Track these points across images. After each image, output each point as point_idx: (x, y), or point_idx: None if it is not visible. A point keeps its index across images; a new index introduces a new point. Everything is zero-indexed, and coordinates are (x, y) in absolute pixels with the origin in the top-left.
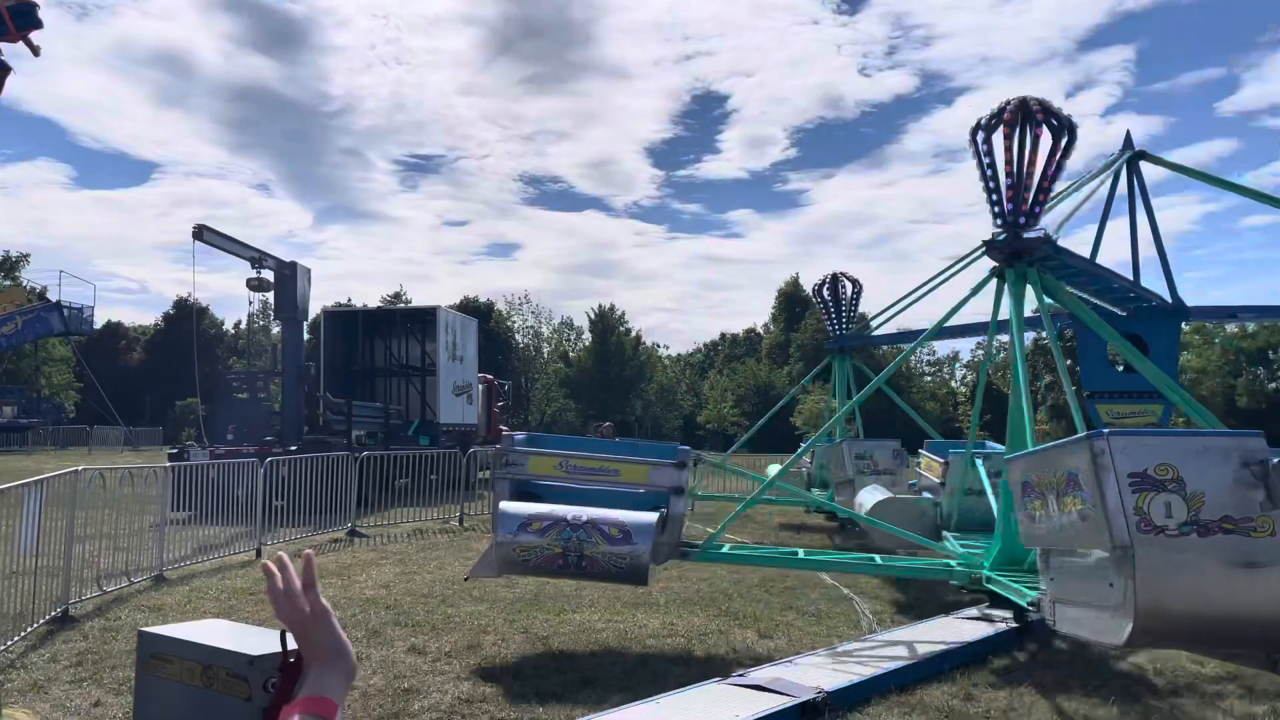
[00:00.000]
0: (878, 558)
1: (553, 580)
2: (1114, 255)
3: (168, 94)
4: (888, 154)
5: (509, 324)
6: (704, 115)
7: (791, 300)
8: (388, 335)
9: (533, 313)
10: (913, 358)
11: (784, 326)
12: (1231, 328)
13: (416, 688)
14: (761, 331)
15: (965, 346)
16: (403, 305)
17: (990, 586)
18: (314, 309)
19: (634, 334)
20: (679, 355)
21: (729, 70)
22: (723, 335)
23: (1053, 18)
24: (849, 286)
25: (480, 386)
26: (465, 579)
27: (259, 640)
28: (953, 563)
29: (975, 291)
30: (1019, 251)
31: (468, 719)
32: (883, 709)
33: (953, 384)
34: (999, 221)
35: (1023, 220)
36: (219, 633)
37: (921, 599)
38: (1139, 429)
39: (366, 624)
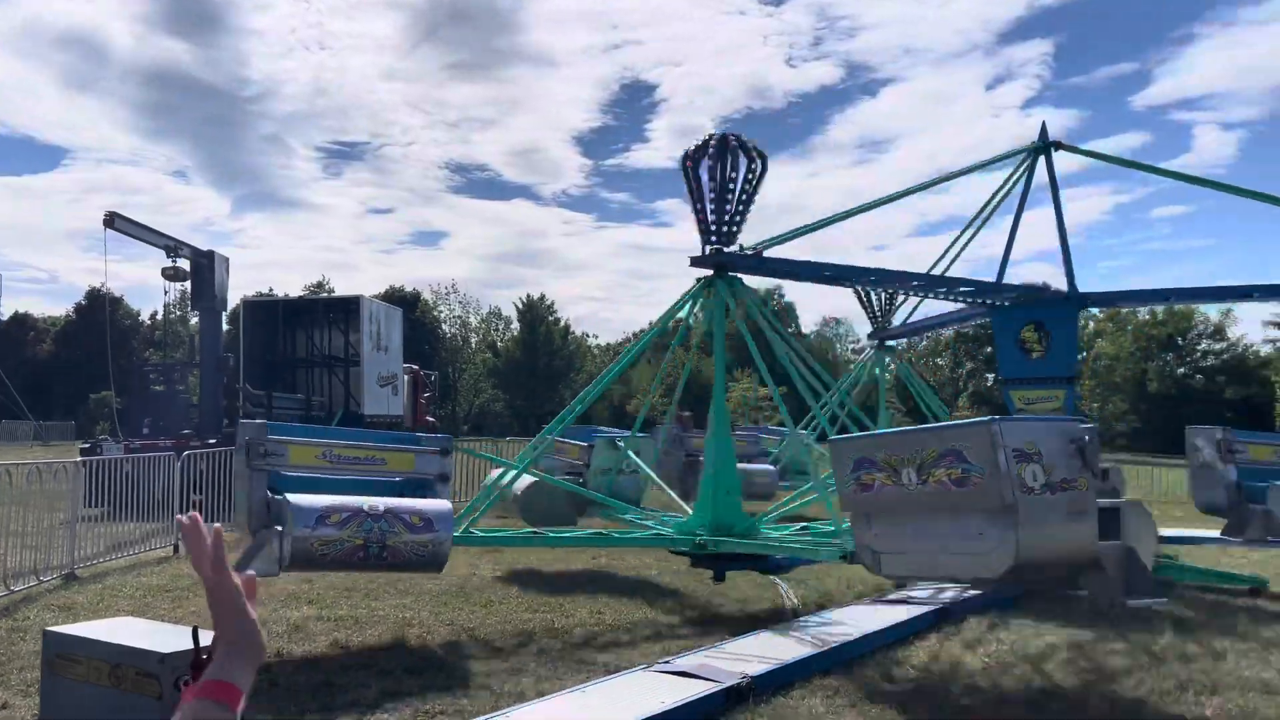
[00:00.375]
0: (613, 533)
1: (477, 573)
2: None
3: (78, 77)
4: (814, 144)
5: (435, 314)
6: (633, 104)
7: None
8: (310, 326)
9: (460, 302)
10: (838, 345)
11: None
12: (1144, 314)
13: (339, 683)
14: (690, 321)
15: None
16: (325, 295)
17: (727, 549)
18: (233, 299)
19: (563, 324)
20: (608, 344)
21: (657, 60)
22: (651, 324)
23: (974, 10)
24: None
25: (406, 377)
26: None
27: (171, 638)
28: (669, 531)
29: (687, 297)
30: (720, 265)
31: (392, 713)
32: (806, 692)
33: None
34: (710, 239)
35: (722, 239)
36: (129, 631)
37: (845, 586)
38: (1016, 417)
39: (288, 620)
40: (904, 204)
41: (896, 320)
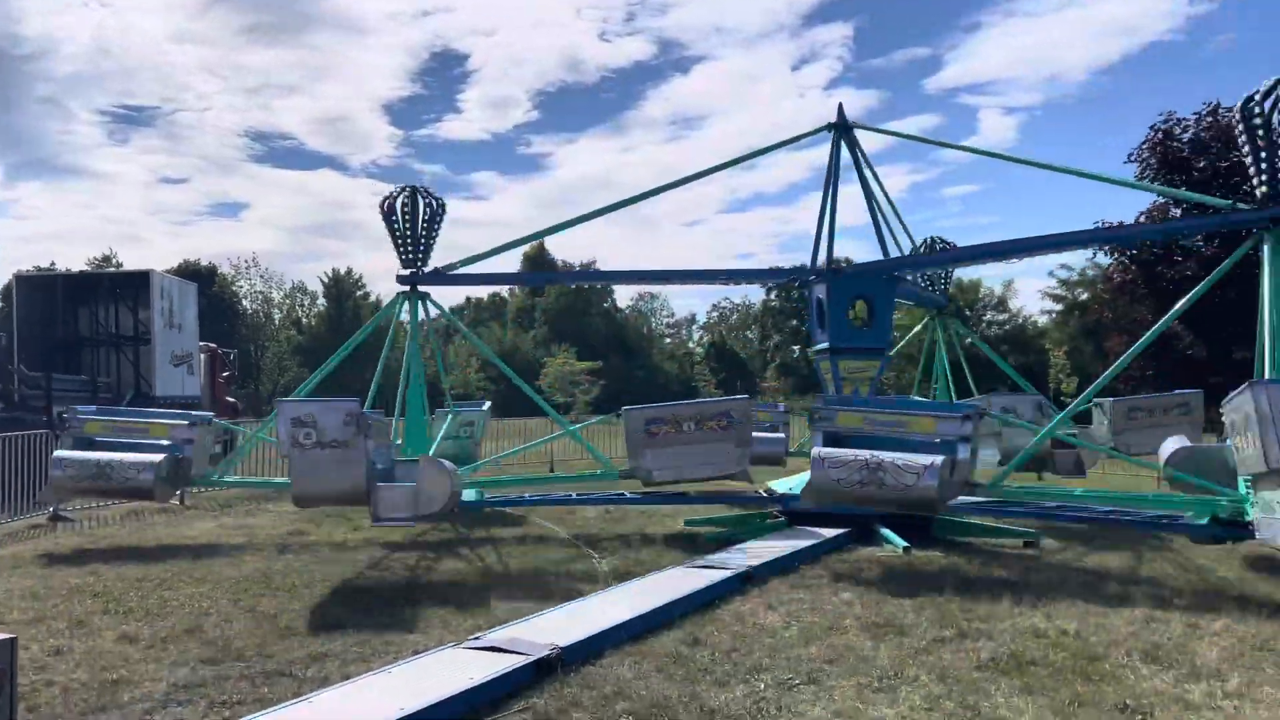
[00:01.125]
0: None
1: (282, 558)
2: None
3: None
4: (628, 120)
5: (235, 289)
6: (444, 74)
7: (536, 265)
8: (94, 302)
9: (261, 276)
10: (653, 320)
11: (529, 291)
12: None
13: (126, 678)
14: (507, 296)
15: (701, 309)
16: (112, 269)
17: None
18: (5, 273)
19: (373, 299)
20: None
21: (469, 28)
22: (468, 299)
23: None
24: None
25: (202, 356)
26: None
27: None
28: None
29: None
30: (416, 284)
31: (186, 706)
32: (615, 660)
33: (690, 344)
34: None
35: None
36: None
37: (660, 552)
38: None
39: (70, 614)
40: (715, 180)
41: None
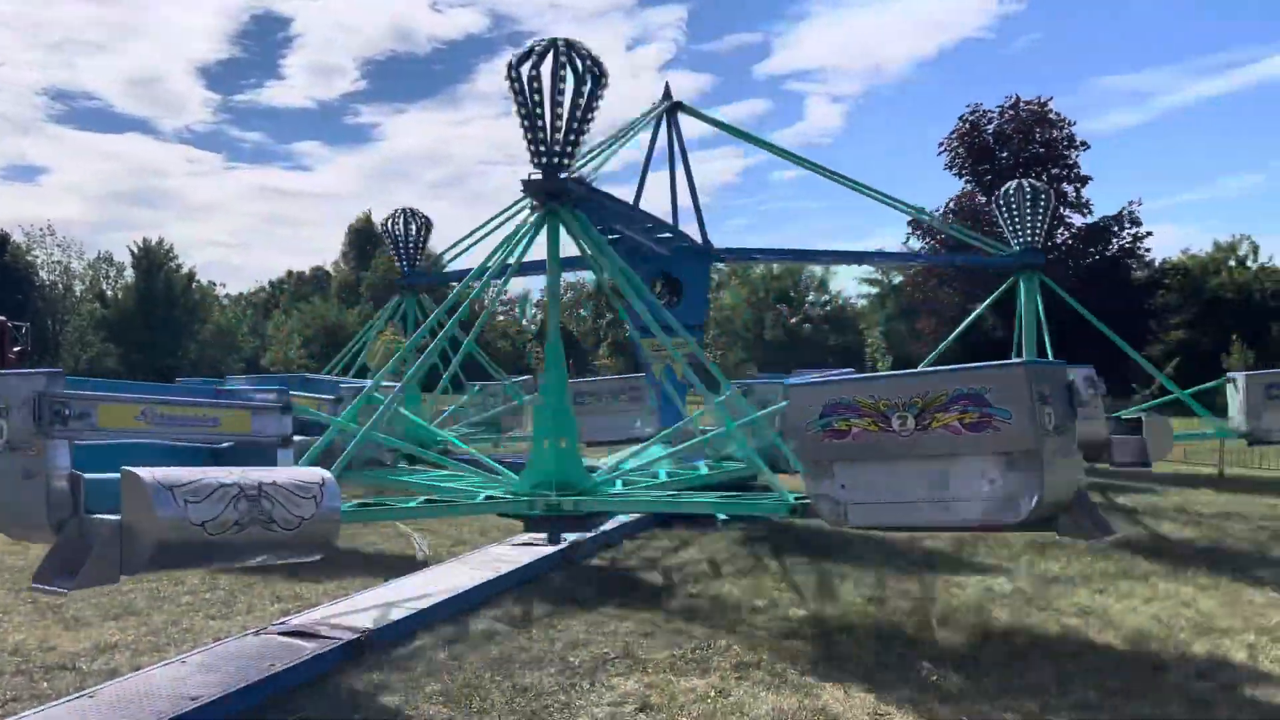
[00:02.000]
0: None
1: None
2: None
3: None
4: (460, 93)
5: (30, 259)
6: (265, 37)
7: (363, 237)
8: None
9: (59, 246)
10: (485, 297)
11: (355, 264)
12: (759, 269)
13: None
14: (331, 270)
15: (535, 287)
16: None
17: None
18: None
19: (188, 271)
20: (240, 294)
21: None
22: (290, 273)
23: None
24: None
25: None
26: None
27: None
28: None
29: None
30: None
31: None
32: (428, 641)
33: (523, 322)
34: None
35: (557, 162)
36: None
37: (482, 530)
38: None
39: None
40: None
41: None
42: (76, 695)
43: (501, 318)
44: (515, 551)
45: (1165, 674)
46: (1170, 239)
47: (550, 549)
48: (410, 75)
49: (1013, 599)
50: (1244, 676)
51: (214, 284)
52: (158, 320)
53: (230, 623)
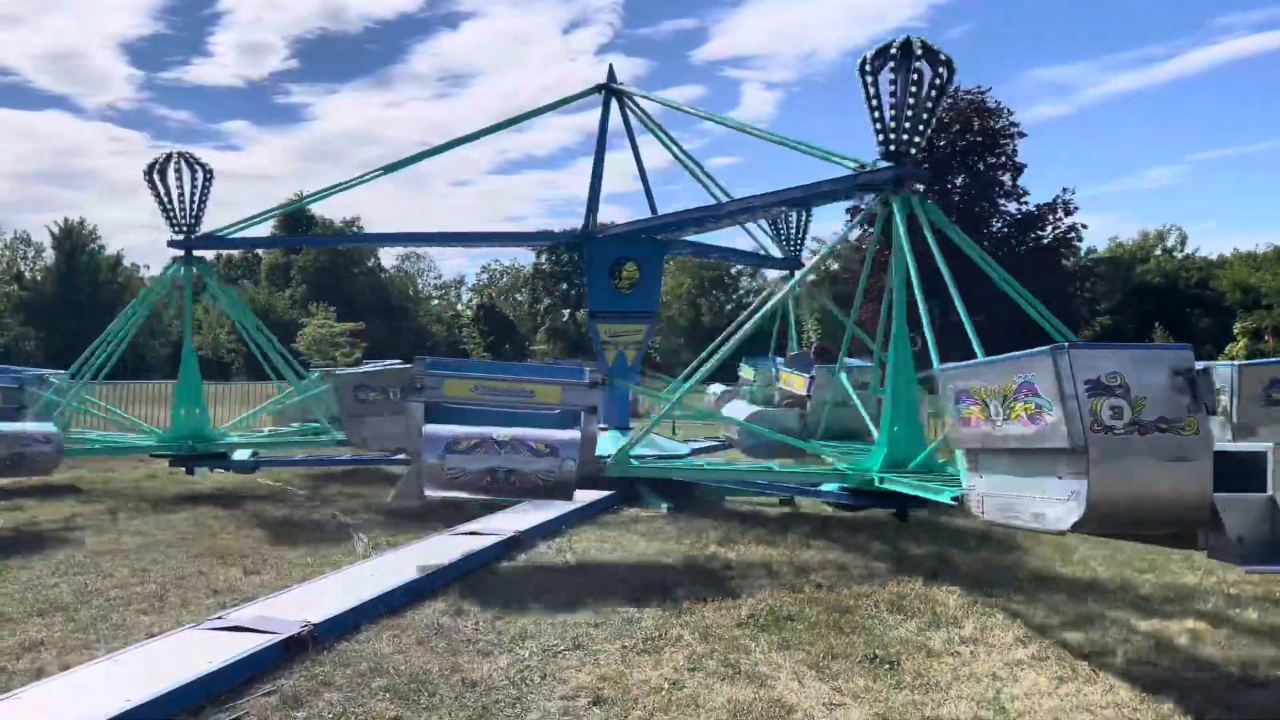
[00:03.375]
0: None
1: None
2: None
3: None
4: (394, 74)
5: None
6: (191, 13)
7: (292, 219)
8: None
9: None
10: (419, 281)
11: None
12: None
13: None
14: (261, 253)
15: (470, 271)
16: None
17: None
18: None
19: (115, 254)
20: (155, 278)
21: None
22: (218, 256)
23: None
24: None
25: None
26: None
27: None
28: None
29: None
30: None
31: None
32: (372, 633)
33: (459, 306)
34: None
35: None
36: None
37: (423, 518)
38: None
39: None
40: (483, 142)
41: None
42: (2, 696)
43: (436, 301)
44: (460, 540)
45: None
46: (1096, 228)
47: (496, 537)
48: (342, 55)
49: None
50: None
51: (139, 266)
52: (81, 303)
53: (163, 617)
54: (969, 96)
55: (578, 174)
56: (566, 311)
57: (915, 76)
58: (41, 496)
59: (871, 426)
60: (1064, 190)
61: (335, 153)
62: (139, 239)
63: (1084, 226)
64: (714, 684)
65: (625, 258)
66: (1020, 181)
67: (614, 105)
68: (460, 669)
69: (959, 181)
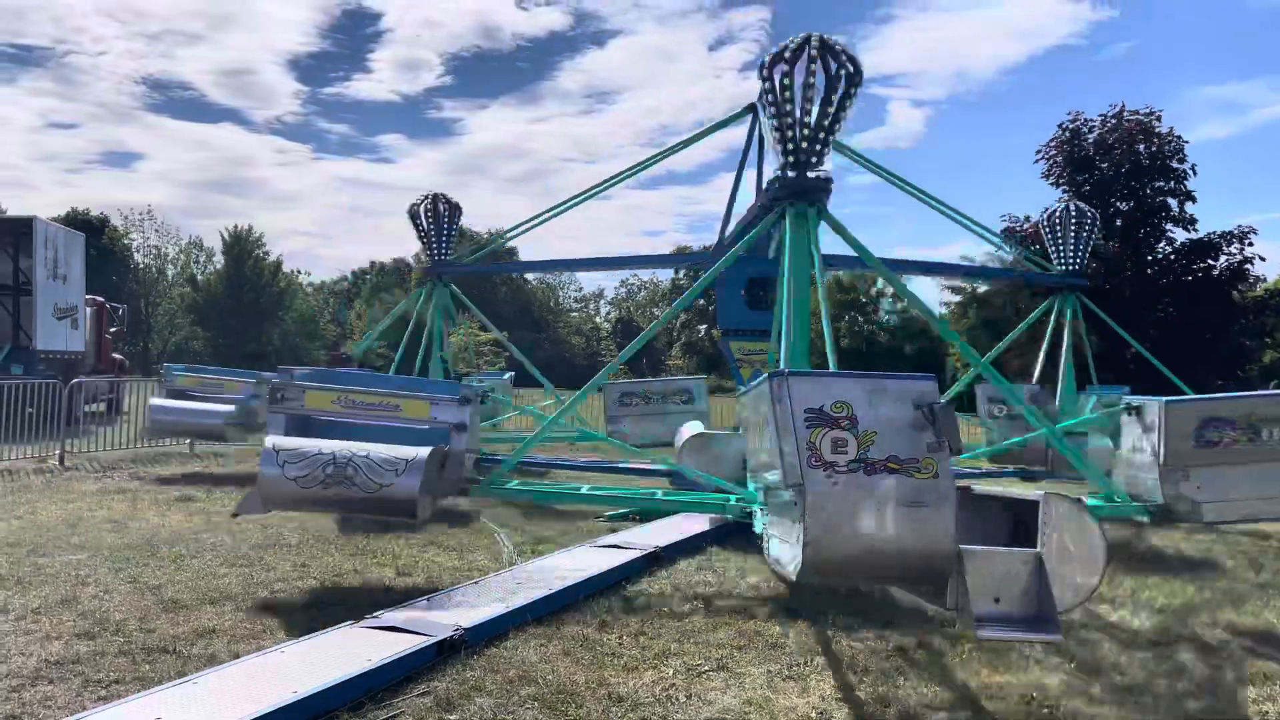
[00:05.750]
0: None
1: (171, 526)
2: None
3: None
4: (542, 90)
5: (127, 242)
6: (354, 31)
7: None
8: None
9: (156, 230)
10: (560, 294)
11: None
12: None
13: None
14: (412, 261)
15: (609, 285)
16: None
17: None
18: None
19: (275, 259)
20: (323, 283)
21: None
22: (372, 264)
23: None
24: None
25: (88, 310)
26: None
27: None
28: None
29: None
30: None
31: (57, 683)
32: (520, 641)
33: (597, 319)
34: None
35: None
36: None
37: (565, 529)
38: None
39: None
40: (624, 158)
41: None
42: (179, 681)
43: (575, 314)
44: (603, 553)
45: None
46: (1267, 255)
47: (638, 551)
48: (493, 71)
49: None
50: None
51: (298, 272)
52: (245, 305)
53: (323, 613)
54: (1135, 117)
55: (716, 190)
56: (703, 327)
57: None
58: (207, 486)
59: None
60: (1240, 226)
61: (481, 166)
62: (297, 245)
63: (1262, 259)
64: (864, 716)
65: (760, 276)
66: (1187, 207)
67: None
68: (606, 683)
69: (1122, 206)
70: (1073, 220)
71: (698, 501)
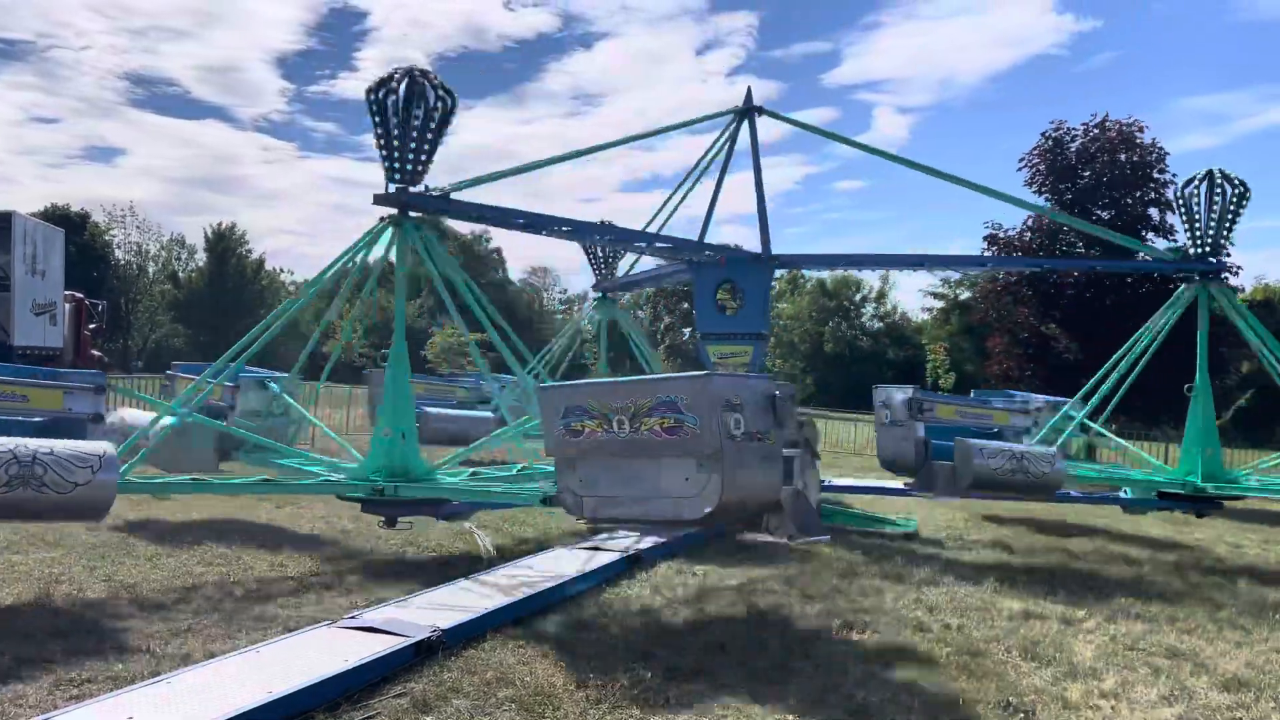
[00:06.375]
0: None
1: (149, 523)
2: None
3: None
4: (529, 92)
5: (108, 238)
6: (341, 30)
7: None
8: None
9: (137, 227)
10: (545, 295)
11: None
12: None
13: None
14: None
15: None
16: None
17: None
18: None
19: (258, 257)
20: (307, 281)
21: None
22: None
23: None
24: (434, 103)
25: (67, 306)
26: None
27: None
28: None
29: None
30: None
31: (31, 683)
32: (498, 643)
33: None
34: (394, 177)
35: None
36: None
37: (545, 530)
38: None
39: None
40: (612, 159)
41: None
42: (152, 681)
43: (560, 316)
44: (582, 555)
45: None
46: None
47: (617, 554)
48: (480, 72)
49: None
50: None
51: (281, 270)
52: (228, 303)
53: (299, 613)
54: (1117, 126)
55: (704, 194)
56: (687, 330)
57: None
58: None
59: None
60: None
61: (467, 168)
62: (282, 243)
63: (1236, 271)
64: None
65: (728, 279)
66: (1168, 217)
67: (744, 129)
68: (584, 685)
69: (1103, 215)
70: (1217, 192)
71: (306, 484)
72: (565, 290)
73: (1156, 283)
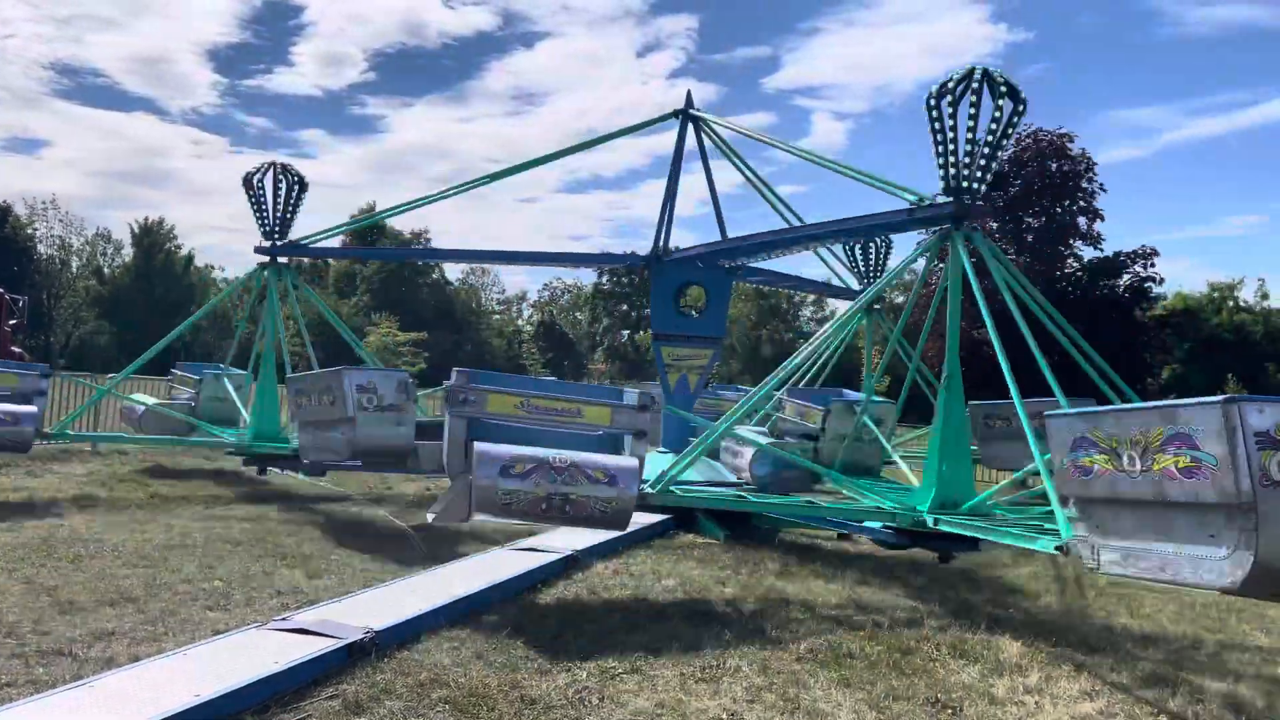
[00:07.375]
0: (819, 500)
1: (67, 523)
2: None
3: None
4: (468, 90)
5: (30, 231)
6: (275, 24)
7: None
8: None
9: (60, 220)
10: (483, 295)
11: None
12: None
13: None
14: (330, 261)
15: (532, 288)
16: None
17: (950, 529)
18: None
19: (188, 253)
20: (239, 278)
21: None
22: (289, 260)
23: None
24: (288, 181)
25: None
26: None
27: None
28: (889, 504)
29: (922, 252)
30: (962, 215)
31: None
32: (432, 644)
33: (519, 322)
34: (948, 185)
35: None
36: None
37: (482, 534)
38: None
39: None
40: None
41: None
42: (73, 685)
43: (498, 316)
44: (519, 556)
45: None
46: (1167, 275)
47: (554, 555)
48: (419, 69)
49: None
50: None
51: (212, 267)
52: (156, 300)
53: (229, 615)
54: (1049, 136)
55: (642, 196)
56: (625, 332)
57: (981, 110)
58: (109, 484)
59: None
60: (1143, 247)
61: (406, 165)
62: (212, 240)
63: (1160, 280)
64: (773, 717)
65: (691, 282)
66: (1095, 226)
67: (689, 131)
68: (519, 685)
69: (1033, 223)
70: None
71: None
72: (504, 290)
73: (1083, 290)
